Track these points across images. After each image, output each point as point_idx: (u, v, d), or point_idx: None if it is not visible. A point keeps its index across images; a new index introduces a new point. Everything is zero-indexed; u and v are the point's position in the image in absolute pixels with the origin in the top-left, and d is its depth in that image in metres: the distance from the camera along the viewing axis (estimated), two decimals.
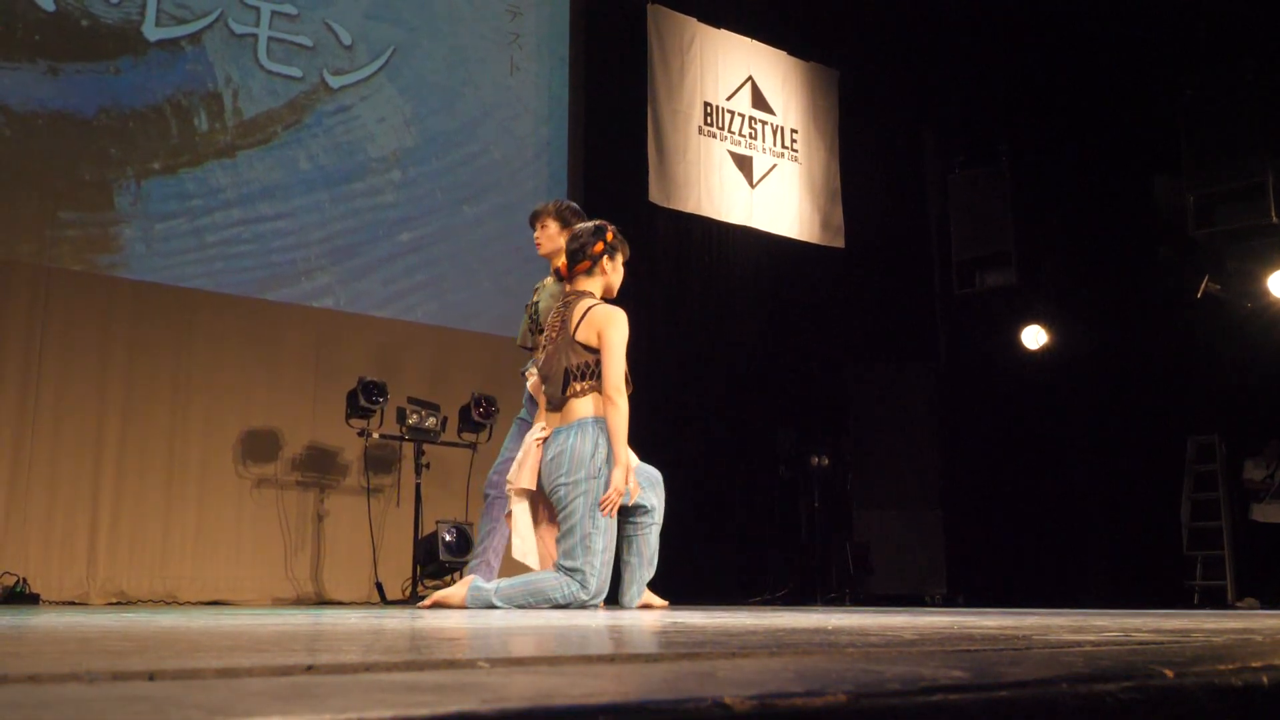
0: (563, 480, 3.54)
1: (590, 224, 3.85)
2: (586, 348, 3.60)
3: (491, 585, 3.52)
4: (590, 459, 3.54)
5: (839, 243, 8.35)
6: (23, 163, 5.81)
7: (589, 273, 3.76)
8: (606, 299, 3.78)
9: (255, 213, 6.48)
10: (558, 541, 3.60)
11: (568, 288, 3.81)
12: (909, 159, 9.31)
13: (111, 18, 6.14)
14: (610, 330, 3.60)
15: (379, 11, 7.06)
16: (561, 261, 3.86)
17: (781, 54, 8.32)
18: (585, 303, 3.67)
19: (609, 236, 3.79)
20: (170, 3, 6.32)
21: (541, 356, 3.78)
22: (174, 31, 6.33)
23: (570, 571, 3.50)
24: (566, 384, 3.59)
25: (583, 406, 3.59)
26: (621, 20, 7.74)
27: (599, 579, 3.52)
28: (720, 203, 7.83)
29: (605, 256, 3.76)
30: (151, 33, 6.25)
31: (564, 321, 3.67)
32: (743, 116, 8.04)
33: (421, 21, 7.24)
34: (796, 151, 8.30)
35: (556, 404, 3.64)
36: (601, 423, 3.58)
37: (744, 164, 8.00)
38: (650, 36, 7.56)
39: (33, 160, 5.84)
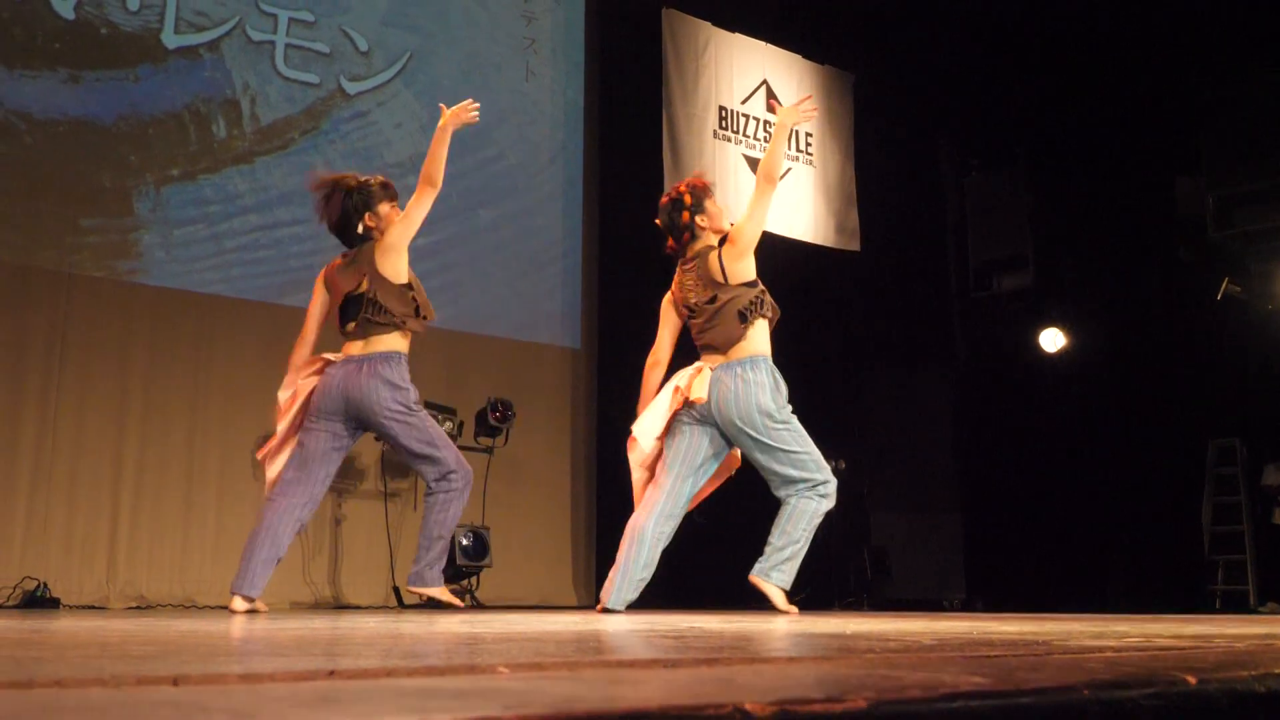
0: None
1: (665, 200, 4.12)
2: (746, 284, 3.98)
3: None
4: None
5: (854, 246, 8.32)
6: (44, 170, 5.86)
7: (695, 237, 4.05)
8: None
9: (273, 218, 6.51)
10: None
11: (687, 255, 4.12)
12: (925, 161, 9.27)
13: (131, 25, 6.18)
14: (735, 225, 4.05)
15: (395, 18, 7.09)
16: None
17: (796, 57, 8.30)
18: (713, 254, 3.97)
19: (686, 199, 4.03)
20: (189, 10, 6.36)
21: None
22: (193, 39, 6.37)
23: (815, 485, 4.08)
24: (745, 322, 3.97)
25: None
26: (636, 24, 7.73)
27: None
28: (735, 207, 7.80)
29: (695, 215, 4.05)
30: (170, 40, 6.29)
31: (705, 282, 3.98)
32: (757, 120, 8.03)
33: (438, 28, 7.27)
34: (811, 155, 8.28)
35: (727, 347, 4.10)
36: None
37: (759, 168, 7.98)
38: (665, 40, 7.55)
39: (53, 167, 5.88)
